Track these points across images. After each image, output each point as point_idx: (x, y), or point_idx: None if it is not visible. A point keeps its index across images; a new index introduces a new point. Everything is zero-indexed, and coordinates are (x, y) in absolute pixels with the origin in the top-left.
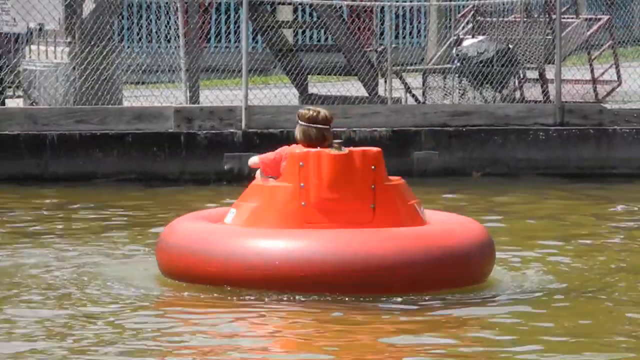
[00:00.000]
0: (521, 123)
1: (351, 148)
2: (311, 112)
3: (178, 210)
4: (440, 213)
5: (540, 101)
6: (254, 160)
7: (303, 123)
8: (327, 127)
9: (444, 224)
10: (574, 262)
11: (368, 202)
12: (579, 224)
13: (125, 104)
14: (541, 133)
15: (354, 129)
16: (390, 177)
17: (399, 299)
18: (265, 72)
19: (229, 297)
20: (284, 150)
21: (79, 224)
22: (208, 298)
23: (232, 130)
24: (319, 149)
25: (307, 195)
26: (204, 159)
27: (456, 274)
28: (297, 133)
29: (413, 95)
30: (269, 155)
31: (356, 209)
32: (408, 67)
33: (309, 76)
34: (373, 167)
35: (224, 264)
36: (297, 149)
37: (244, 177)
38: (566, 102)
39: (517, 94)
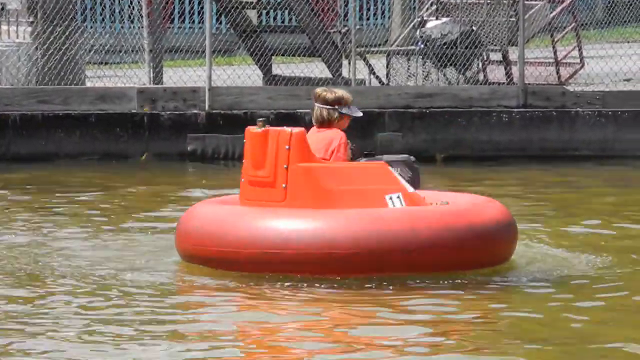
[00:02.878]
0: (484, 105)
1: (274, 128)
2: (319, 92)
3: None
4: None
5: (504, 83)
6: None
7: (316, 104)
8: (334, 107)
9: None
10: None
11: (281, 181)
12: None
13: (88, 84)
14: (504, 115)
15: None
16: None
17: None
18: (229, 53)
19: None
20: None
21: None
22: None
23: (195, 111)
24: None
25: (244, 171)
26: (167, 139)
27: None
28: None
29: (377, 77)
30: None
31: (271, 188)
32: (372, 49)
33: (273, 57)
34: (287, 147)
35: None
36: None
37: (206, 158)
38: (529, 84)
39: (481, 76)
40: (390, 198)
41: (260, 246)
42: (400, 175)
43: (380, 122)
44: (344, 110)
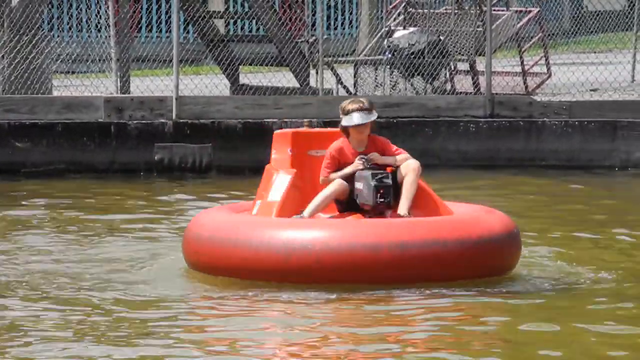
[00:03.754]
0: (452, 115)
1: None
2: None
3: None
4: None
5: (471, 93)
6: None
7: None
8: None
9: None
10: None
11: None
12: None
13: (55, 93)
14: (472, 125)
15: (286, 119)
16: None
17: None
18: (196, 62)
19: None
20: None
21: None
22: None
23: (162, 120)
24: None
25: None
26: (134, 149)
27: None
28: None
29: (344, 87)
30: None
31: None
32: (339, 59)
33: (240, 66)
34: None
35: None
36: None
37: (174, 168)
38: (496, 94)
39: (448, 86)
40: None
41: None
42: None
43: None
44: (343, 122)
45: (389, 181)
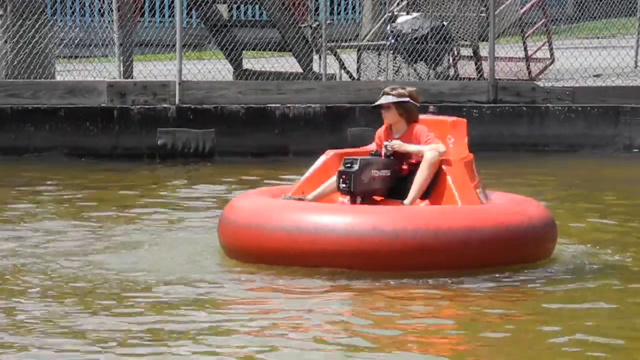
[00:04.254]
0: (455, 100)
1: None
2: (417, 91)
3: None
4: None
5: (474, 78)
6: (443, 150)
7: (417, 102)
8: None
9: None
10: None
11: None
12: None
13: (58, 78)
14: (475, 110)
15: (288, 105)
16: None
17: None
18: (199, 47)
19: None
20: (428, 128)
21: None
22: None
23: (165, 105)
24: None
25: None
26: (137, 134)
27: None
28: (416, 110)
29: (347, 72)
30: (438, 139)
31: None
32: (343, 44)
33: (243, 51)
34: None
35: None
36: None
37: (177, 153)
38: (499, 79)
39: (451, 71)
40: None
41: None
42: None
43: (351, 117)
44: None
45: (353, 169)
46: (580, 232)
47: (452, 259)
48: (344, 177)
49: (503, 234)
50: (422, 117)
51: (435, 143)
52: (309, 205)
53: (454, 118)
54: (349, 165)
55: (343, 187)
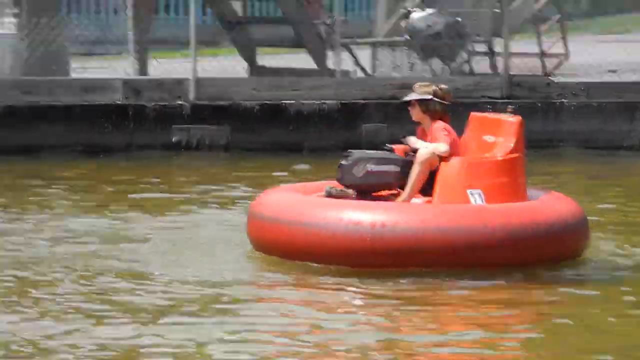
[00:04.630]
0: (469, 95)
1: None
2: (448, 90)
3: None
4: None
5: (489, 74)
6: (444, 149)
7: (443, 101)
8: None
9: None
10: None
11: None
12: None
13: (73, 75)
14: (489, 106)
15: (303, 101)
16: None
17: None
18: (214, 44)
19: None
20: (448, 127)
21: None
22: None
23: (180, 102)
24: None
25: None
26: (152, 131)
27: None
28: (443, 111)
29: (362, 68)
30: (449, 138)
31: None
32: (357, 40)
33: (258, 48)
34: None
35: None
36: (447, 125)
37: (191, 150)
38: (514, 75)
39: (466, 67)
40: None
41: None
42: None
43: (365, 113)
44: None
45: (346, 161)
46: (608, 227)
47: (436, 257)
48: (339, 168)
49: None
50: (487, 114)
51: (439, 142)
52: (327, 202)
53: (510, 118)
54: (345, 157)
55: (337, 179)
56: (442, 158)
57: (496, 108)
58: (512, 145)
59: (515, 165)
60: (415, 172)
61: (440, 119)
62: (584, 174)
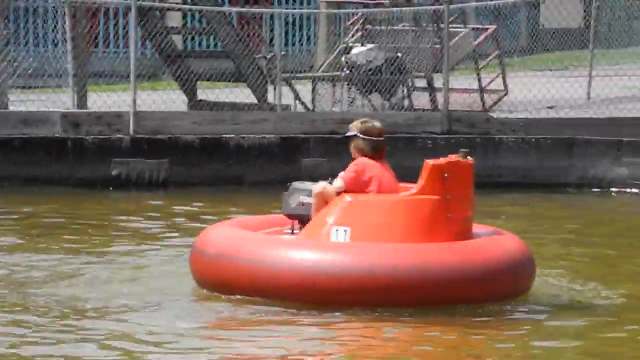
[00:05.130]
0: (409, 131)
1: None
2: (379, 126)
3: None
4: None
5: (429, 109)
6: (336, 185)
7: (368, 137)
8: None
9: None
10: None
11: (471, 211)
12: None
13: (11, 108)
14: (429, 141)
15: (243, 135)
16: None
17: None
18: (154, 78)
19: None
20: (359, 165)
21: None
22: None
23: (120, 135)
24: (451, 158)
25: (452, 206)
26: (91, 164)
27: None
28: (366, 147)
29: (302, 103)
30: (349, 175)
31: (468, 218)
32: (297, 75)
33: (198, 82)
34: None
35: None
36: (369, 161)
37: (131, 183)
38: (454, 110)
39: (406, 102)
40: None
41: None
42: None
43: (305, 148)
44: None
45: (285, 192)
46: (552, 263)
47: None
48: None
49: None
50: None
51: (338, 178)
52: (272, 239)
53: (439, 161)
54: (287, 187)
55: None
56: (339, 193)
57: (436, 144)
58: (420, 186)
59: (414, 206)
60: (313, 205)
61: (371, 155)
62: (524, 210)
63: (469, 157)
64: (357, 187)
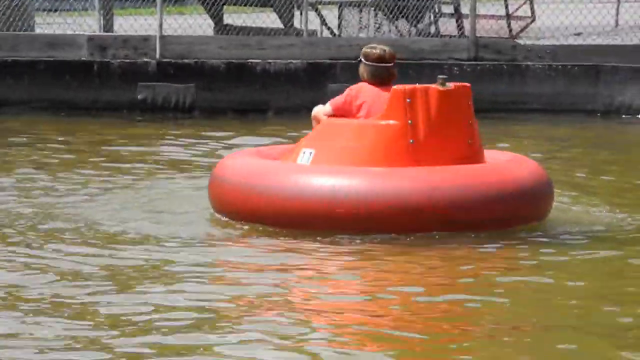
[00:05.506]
0: (436, 57)
1: (452, 84)
2: (379, 51)
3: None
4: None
5: (455, 36)
6: (324, 110)
7: (371, 63)
8: (393, 64)
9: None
10: None
11: (466, 137)
12: None
13: (38, 31)
14: (455, 68)
15: (270, 60)
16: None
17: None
18: (180, 2)
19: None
20: (352, 90)
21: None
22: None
23: (146, 59)
24: (417, 85)
25: (415, 132)
26: (117, 88)
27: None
28: (365, 73)
29: (329, 28)
30: (339, 99)
31: (458, 145)
32: (324, 0)
33: (224, 6)
34: (469, 102)
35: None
36: (366, 87)
37: (157, 107)
38: (481, 37)
39: (432, 29)
40: None
41: None
42: None
43: (331, 73)
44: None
45: None
46: (573, 190)
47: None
48: None
49: None
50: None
51: (328, 102)
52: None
53: (402, 86)
54: None
55: None
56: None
57: (462, 70)
58: (384, 111)
59: (374, 130)
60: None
61: (370, 80)
62: (547, 136)
63: (447, 84)
64: (345, 112)
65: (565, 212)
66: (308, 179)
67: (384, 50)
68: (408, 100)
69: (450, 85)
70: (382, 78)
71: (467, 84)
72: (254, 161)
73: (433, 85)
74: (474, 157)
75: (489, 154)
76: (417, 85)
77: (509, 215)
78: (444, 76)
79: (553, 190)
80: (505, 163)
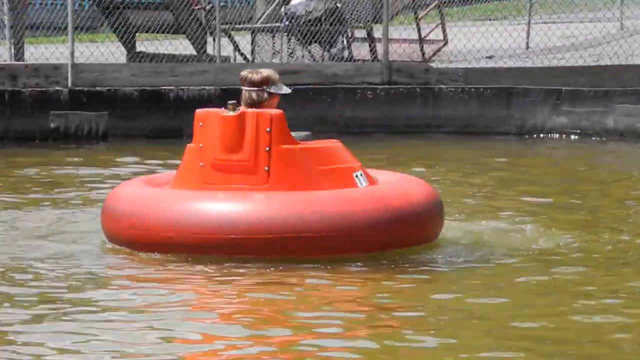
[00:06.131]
0: (349, 82)
1: (248, 110)
2: (245, 74)
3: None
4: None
5: (368, 60)
6: None
7: (243, 87)
8: (260, 88)
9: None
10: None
11: (263, 165)
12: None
13: None
14: (369, 92)
15: (183, 87)
16: (328, 140)
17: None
18: (92, 30)
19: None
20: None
21: None
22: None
23: (58, 88)
24: (222, 109)
25: (204, 155)
26: (29, 117)
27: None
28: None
29: (242, 54)
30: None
31: (250, 171)
32: (237, 26)
33: (137, 34)
34: (268, 129)
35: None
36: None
37: (70, 136)
38: (393, 61)
39: (346, 53)
40: (357, 176)
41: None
42: None
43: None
44: (272, 89)
45: None
46: (470, 212)
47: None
48: None
49: None
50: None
51: None
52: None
53: (200, 110)
54: None
55: None
56: None
57: (376, 94)
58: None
59: (184, 152)
60: None
61: (244, 104)
62: (460, 159)
63: (238, 109)
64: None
65: (456, 231)
66: (194, 205)
67: (251, 73)
68: (200, 124)
69: (238, 110)
70: (247, 102)
71: (273, 112)
72: (142, 190)
73: (220, 110)
74: (274, 184)
75: (379, 174)
76: (210, 110)
77: (387, 239)
78: (233, 101)
79: (442, 211)
80: (392, 184)
